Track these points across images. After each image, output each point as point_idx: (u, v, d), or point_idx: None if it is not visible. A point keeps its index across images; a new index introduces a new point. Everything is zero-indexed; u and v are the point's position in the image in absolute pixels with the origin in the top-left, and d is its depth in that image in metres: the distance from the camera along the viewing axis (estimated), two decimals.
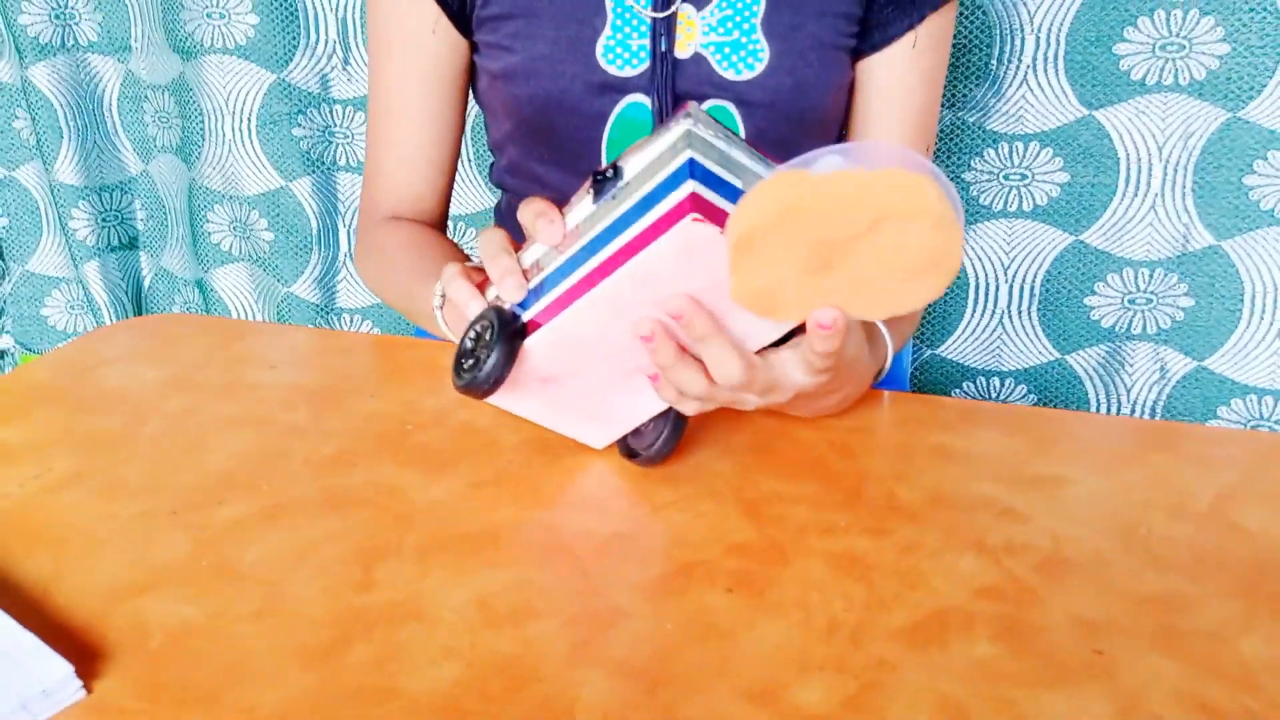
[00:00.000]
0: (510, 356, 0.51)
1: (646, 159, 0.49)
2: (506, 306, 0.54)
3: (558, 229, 0.52)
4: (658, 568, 0.51)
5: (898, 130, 0.81)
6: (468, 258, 0.79)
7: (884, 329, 0.71)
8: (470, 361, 0.52)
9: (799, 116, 0.76)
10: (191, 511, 0.56)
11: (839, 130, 0.83)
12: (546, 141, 0.78)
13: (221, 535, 0.54)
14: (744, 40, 0.74)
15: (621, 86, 0.75)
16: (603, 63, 0.74)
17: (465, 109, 0.85)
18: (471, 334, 0.54)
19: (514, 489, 0.57)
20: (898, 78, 0.79)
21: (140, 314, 1.45)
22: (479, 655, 0.45)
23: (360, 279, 0.84)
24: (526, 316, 0.53)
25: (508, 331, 0.52)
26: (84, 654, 0.45)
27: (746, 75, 0.74)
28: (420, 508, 0.55)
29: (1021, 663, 0.44)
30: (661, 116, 0.75)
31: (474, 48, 0.80)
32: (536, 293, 0.53)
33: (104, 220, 1.38)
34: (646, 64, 0.74)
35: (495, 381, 0.51)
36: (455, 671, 0.44)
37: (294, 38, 1.21)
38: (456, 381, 0.53)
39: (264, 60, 1.22)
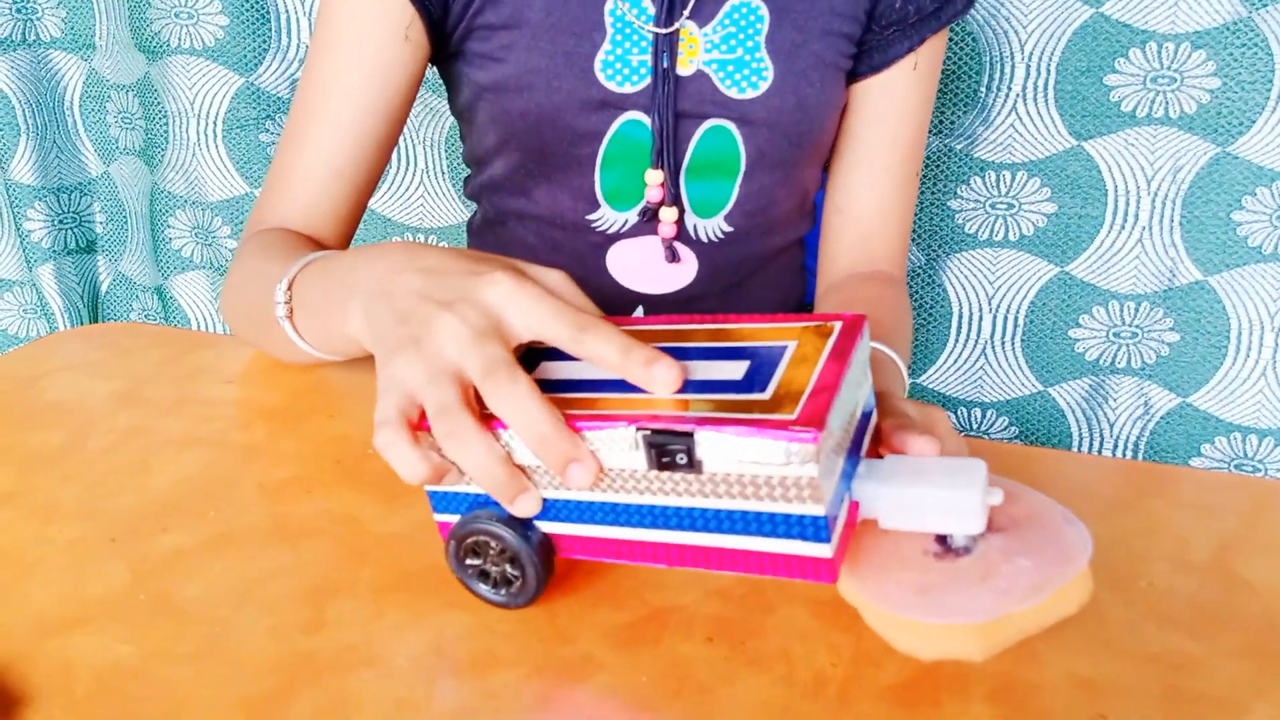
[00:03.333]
0: (550, 570, 0.45)
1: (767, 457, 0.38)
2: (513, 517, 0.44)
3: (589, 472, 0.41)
4: (632, 613, 0.47)
5: (890, 154, 0.79)
6: None
7: (900, 363, 0.68)
8: (489, 586, 0.46)
9: (799, 137, 0.74)
10: (132, 539, 0.52)
11: (828, 150, 0.81)
12: (537, 157, 0.75)
13: (162, 566, 0.50)
14: (747, 58, 0.71)
15: (620, 103, 0.72)
16: (601, 78, 0.71)
17: (400, 133, 0.76)
18: (474, 563, 0.46)
19: None
20: (897, 101, 0.77)
21: (96, 320, 1.40)
22: (436, 708, 0.41)
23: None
24: (545, 528, 0.45)
25: (540, 558, 0.45)
26: (1, 699, 0.41)
27: (750, 94, 0.72)
28: (378, 540, 0.51)
29: None
30: (662, 135, 0.72)
31: (456, 57, 0.76)
32: (554, 509, 0.44)
33: (61, 222, 1.33)
34: (647, 80, 0.72)
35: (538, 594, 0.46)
36: None
37: (264, 40, 1.17)
38: (488, 597, 0.46)
39: (232, 63, 1.18)
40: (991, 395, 1.17)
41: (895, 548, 0.42)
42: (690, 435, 0.38)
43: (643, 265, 0.77)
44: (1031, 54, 1.02)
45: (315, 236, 0.74)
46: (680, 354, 0.43)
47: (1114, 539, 0.54)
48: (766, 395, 0.39)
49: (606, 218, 0.76)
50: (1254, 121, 0.99)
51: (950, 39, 1.03)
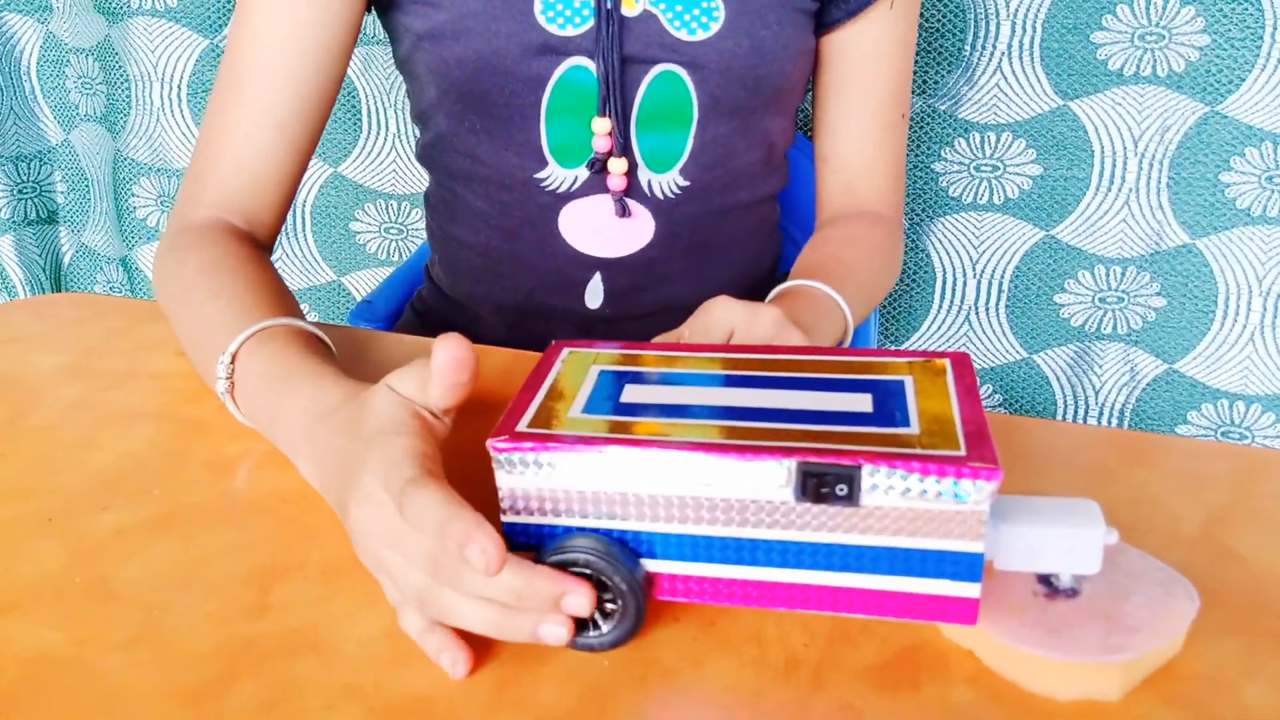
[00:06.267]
0: (644, 613, 0.41)
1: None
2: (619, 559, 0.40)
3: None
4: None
5: (875, 101, 0.76)
6: (292, 298, 0.63)
7: (843, 303, 0.67)
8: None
9: (755, 83, 0.71)
10: (70, 518, 0.49)
11: (799, 101, 0.78)
12: (478, 109, 0.71)
13: (101, 547, 0.47)
14: None
15: (562, 47, 0.69)
16: (541, 20, 0.68)
17: (339, 84, 0.72)
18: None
19: None
20: (874, 45, 0.74)
21: (59, 293, 1.36)
22: (385, 697, 0.39)
23: (155, 289, 0.67)
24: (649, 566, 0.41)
25: (643, 596, 0.41)
26: None
27: (700, 36, 0.69)
28: (330, 519, 0.49)
29: (1002, 708, 0.39)
30: (608, 81, 0.69)
31: (393, 6, 0.72)
32: (649, 544, 0.41)
33: (21, 192, 1.29)
34: (590, 22, 0.68)
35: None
36: (356, 716, 0.38)
37: (228, 0, 1.13)
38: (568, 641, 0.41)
39: (196, 24, 1.14)
40: (976, 362, 1.15)
41: (1004, 589, 0.42)
42: (857, 468, 0.37)
43: (597, 226, 0.74)
44: (1017, 11, 0.99)
45: (261, 217, 0.70)
46: (794, 384, 0.43)
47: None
48: (914, 430, 0.39)
49: (555, 175, 0.73)
50: (1243, 80, 0.96)
51: None
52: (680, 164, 0.73)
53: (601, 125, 0.70)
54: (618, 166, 0.71)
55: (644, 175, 0.73)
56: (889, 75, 0.76)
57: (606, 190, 0.73)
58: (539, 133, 0.71)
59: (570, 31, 0.68)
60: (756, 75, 0.70)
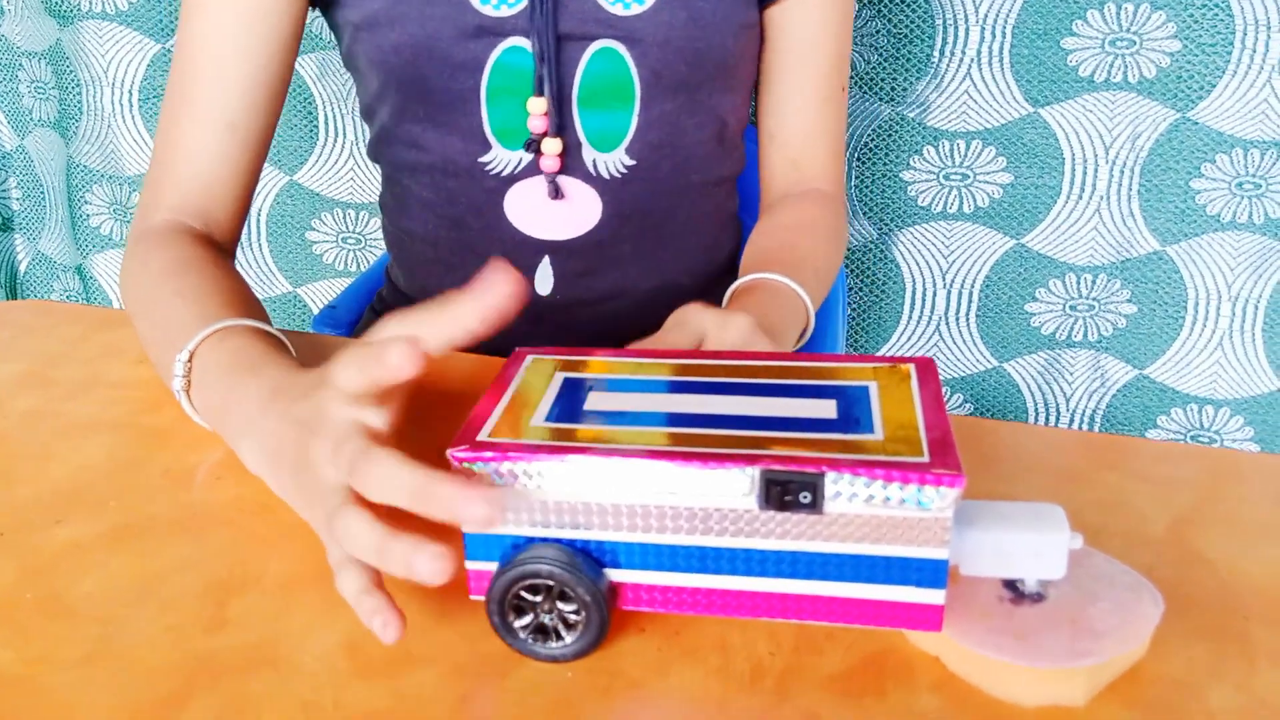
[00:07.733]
0: (608, 624, 0.41)
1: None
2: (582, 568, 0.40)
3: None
4: None
5: (818, 75, 0.77)
6: (256, 301, 0.62)
7: (804, 294, 0.67)
8: (532, 635, 0.41)
9: (696, 57, 0.71)
10: (22, 532, 0.48)
11: (750, 80, 0.78)
12: (419, 97, 0.71)
13: (55, 561, 0.46)
14: None
15: (497, 28, 0.68)
16: (475, 2, 0.68)
17: (288, 82, 0.72)
18: (522, 624, 0.41)
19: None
20: (818, 16, 0.75)
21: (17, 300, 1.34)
22: (343, 713, 0.38)
23: (122, 295, 0.68)
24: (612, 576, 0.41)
25: (607, 605, 0.40)
26: None
27: (635, 10, 0.69)
28: (290, 530, 0.48)
29: (968, 715, 0.39)
30: (544, 60, 0.69)
31: (332, 3, 0.72)
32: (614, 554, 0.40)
33: None
34: (524, 2, 0.68)
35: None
36: None
37: (179, 4, 1.11)
38: (531, 652, 0.41)
39: (147, 28, 1.12)
40: (947, 372, 1.15)
41: (969, 595, 0.41)
42: (820, 475, 0.37)
43: (543, 208, 0.74)
44: (986, 16, 0.99)
45: (220, 217, 0.71)
46: (758, 390, 0.43)
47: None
48: (878, 436, 0.39)
49: (499, 158, 0.72)
50: (1214, 86, 0.97)
51: (901, 0, 1.00)
52: (626, 142, 0.73)
53: (537, 105, 0.70)
54: (551, 147, 0.71)
55: (589, 155, 0.73)
56: (831, 47, 0.77)
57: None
58: (480, 116, 0.71)
59: (504, 12, 0.68)
60: (696, 48, 0.70)
